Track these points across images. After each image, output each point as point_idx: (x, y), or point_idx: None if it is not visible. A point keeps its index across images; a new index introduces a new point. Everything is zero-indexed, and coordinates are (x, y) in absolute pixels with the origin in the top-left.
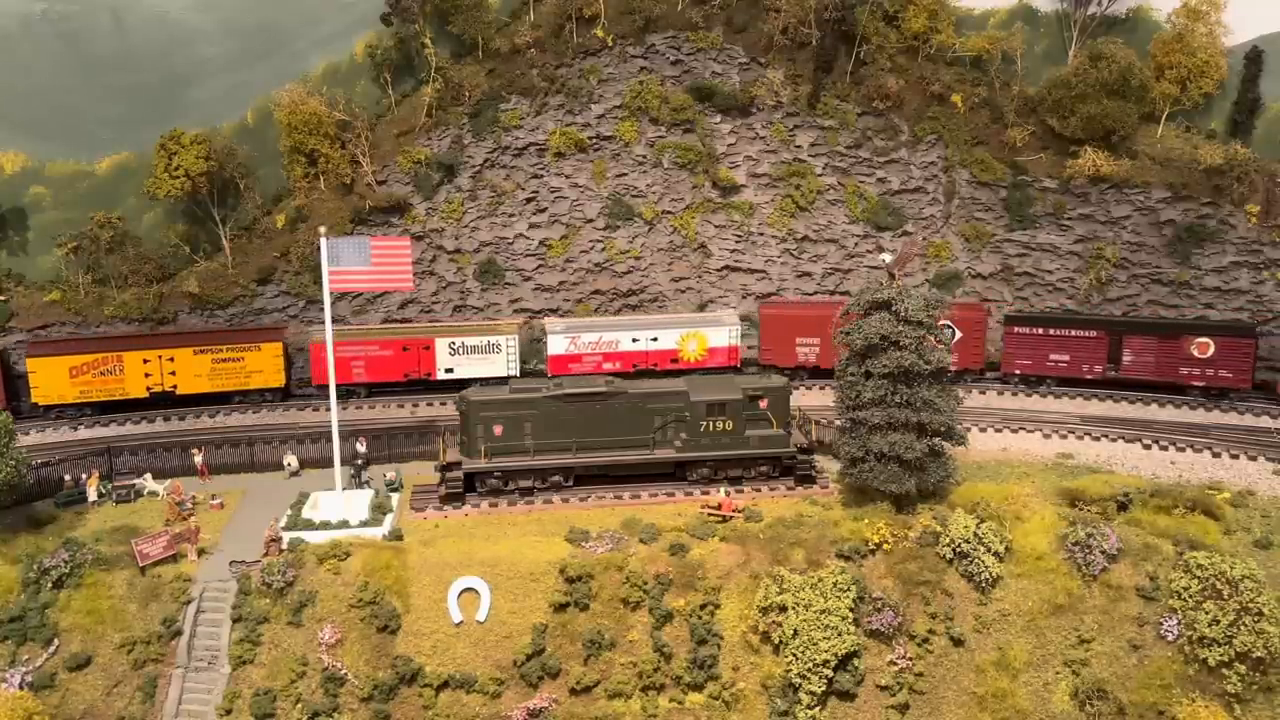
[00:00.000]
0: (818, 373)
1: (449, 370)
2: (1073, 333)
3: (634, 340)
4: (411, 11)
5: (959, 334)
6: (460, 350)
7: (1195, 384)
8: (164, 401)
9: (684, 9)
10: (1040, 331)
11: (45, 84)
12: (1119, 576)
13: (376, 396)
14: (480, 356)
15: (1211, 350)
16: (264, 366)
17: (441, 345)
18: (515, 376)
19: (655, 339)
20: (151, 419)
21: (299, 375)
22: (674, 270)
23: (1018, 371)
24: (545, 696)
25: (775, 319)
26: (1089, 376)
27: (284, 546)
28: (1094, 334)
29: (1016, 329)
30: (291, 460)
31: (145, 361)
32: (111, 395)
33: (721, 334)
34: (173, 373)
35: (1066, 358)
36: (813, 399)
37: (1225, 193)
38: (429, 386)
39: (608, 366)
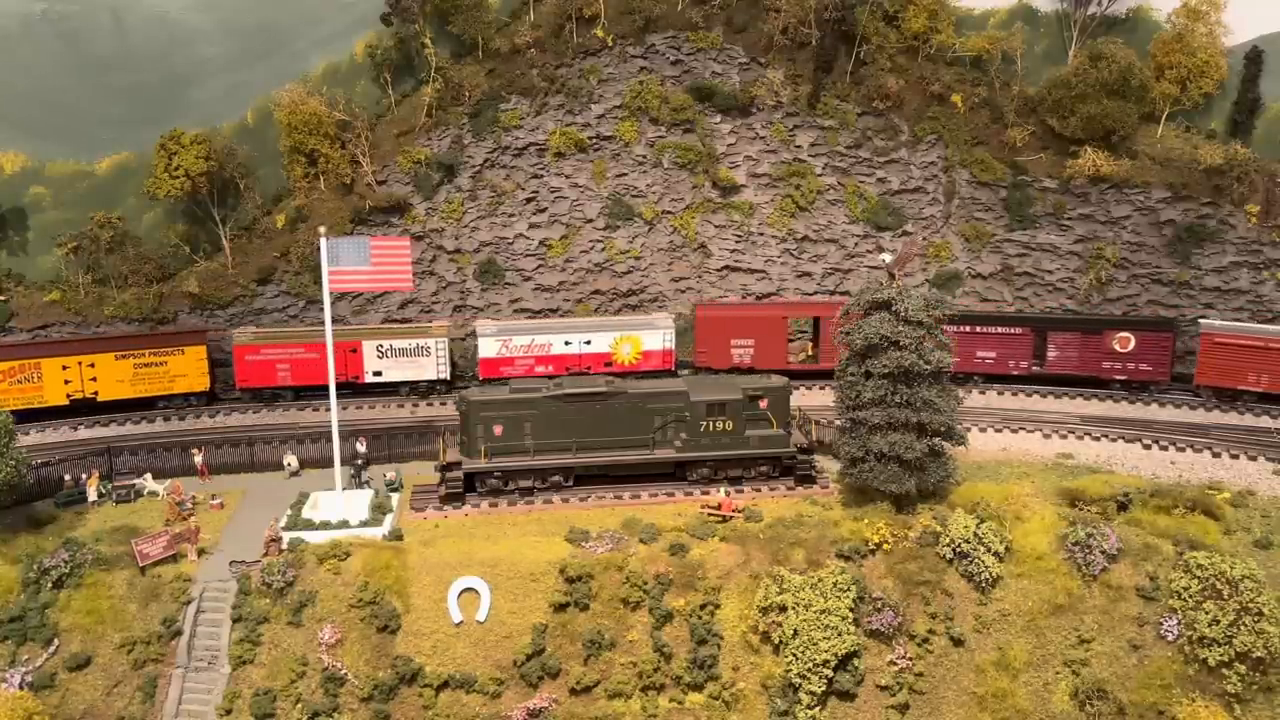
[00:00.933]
0: (751, 374)
1: (377, 374)
2: (999, 330)
3: (566, 343)
4: (411, 11)
5: None
6: (389, 353)
7: (1117, 378)
8: (85, 409)
9: (684, 9)
10: (968, 329)
11: (45, 84)
12: (1119, 576)
13: (305, 399)
14: (409, 359)
15: (1132, 345)
16: (188, 370)
17: (369, 348)
18: (445, 380)
19: (588, 342)
20: (151, 419)
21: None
22: (674, 270)
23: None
24: (545, 696)
25: (710, 321)
26: (1015, 372)
27: (284, 546)
28: (1019, 331)
29: (944, 328)
30: (291, 460)
31: (65, 368)
32: (30, 404)
33: (655, 337)
34: (94, 379)
35: (993, 354)
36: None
37: (1225, 193)
38: (357, 390)
39: (540, 370)
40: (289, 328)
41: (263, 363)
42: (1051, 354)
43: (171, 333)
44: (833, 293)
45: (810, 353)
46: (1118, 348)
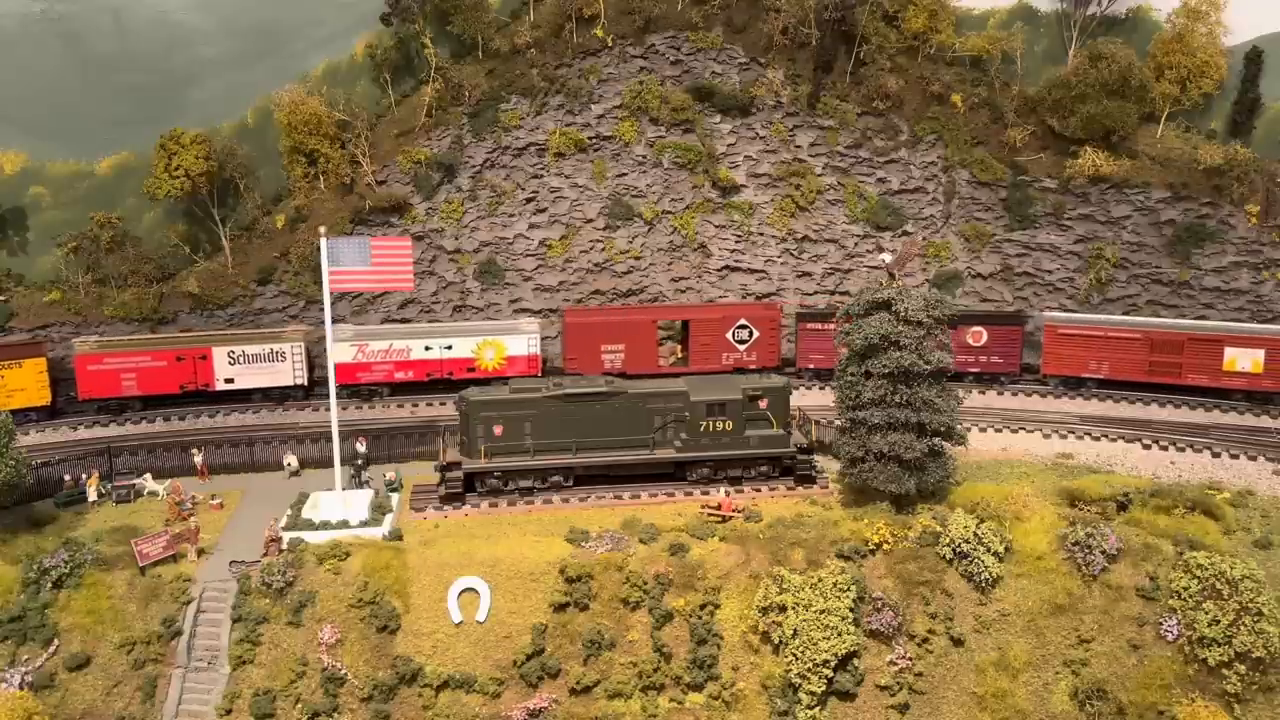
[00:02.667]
0: (623, 378)
1: (229, 381)
2: None
3: (426, 348)
4: (411, 11)
5: (756, 333)
6: (241, 359)
7: (971, 370)
8: None
9: (684, 9)
10: (832, 326)
11: (45, 84)
12: (1119, 576)
13: (155, 409)
14: (263, 366)
15: (985, 339)
16: (26, 384)
17: (220, 354)
18: (303, 386)
19: (449, 347)
20: (151, 419)
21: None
22: (674, 270)
23: (811, 366)
24: (545, 696)
25: (579, 327)
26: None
27: (284, 546)
28: None
29: (809, 326)
30: (291, 460)
31: None
32: None
33: (520, 342)
34: None
35: None
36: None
37: (1225, 193)
38: (210, 398)
39: (400, 376)
40: (135, 336)
41: (106, 373)
42: None
43: (5, 344)
44: (832, 293)
45: (680, 355)
46: (971, 342)
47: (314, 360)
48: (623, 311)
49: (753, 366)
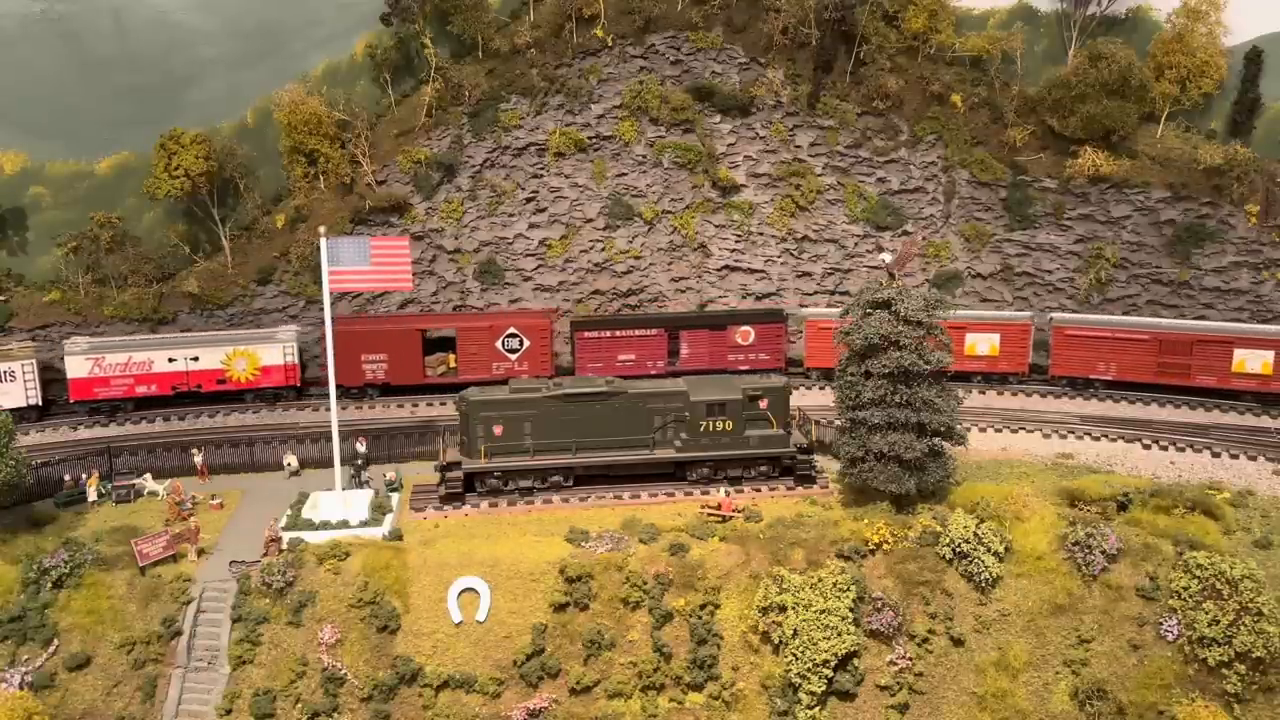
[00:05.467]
0: (389, 390)
1: None
2: (636, 332)
3: (170, 360)
4: (411, 11)
5: (527, 342)
6: None
7: (741, 368)
8: None
9: (684, 9)
10: (608, 334)
11: (45, 84)
12: (1119, 576)
13: None
14: None
15: (752, 337)
16: None
17: None
18: (37, 406)
19: (196, 358)
20: (151, 419)
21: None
22: (674, 270)
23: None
24: (545, 696)
25: (340, 336)
26: (653, 372)
27: (284, 546)
28: (655, 332)
29: (585, 334)
30: (291, 460)
31: None
32: None
33: (275, 351)
34: None
35: (633, 356)
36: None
37: (1225, 193)
38: None
39: (141, 390)
40: None
41: None
42: (684, 351)
43: None
44: (832, 293)
45: (451, 365)
46: (740, 341)
47: (49, 376)
48: (385, 320)
49: (525, 377)
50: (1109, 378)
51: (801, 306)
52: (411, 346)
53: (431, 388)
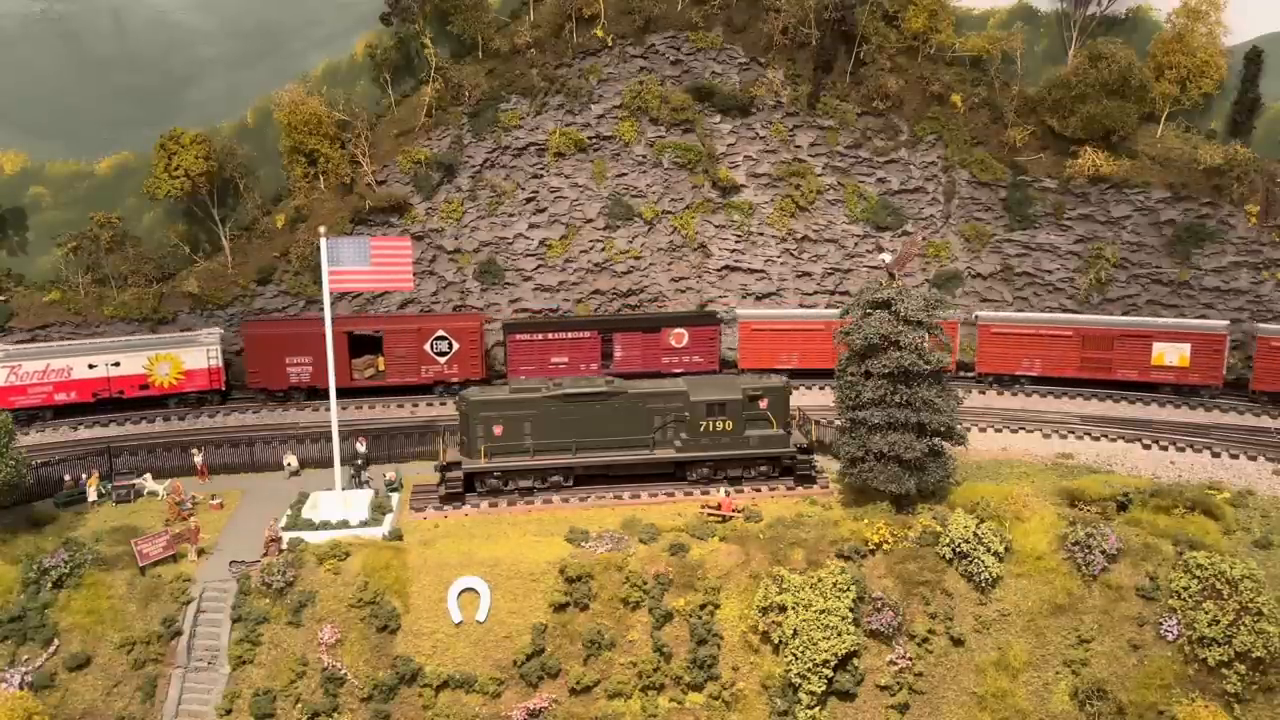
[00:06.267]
0: (314, 394)
1: None
2: (569, 335)
3: (91, 366)
4: (411, 11)
5: (456, 345)
6: None
7: (675, 371)
8: None
9: (684, 9)
10: (540, 337)
11: (45, 84)
12: (1119, 576)
13: None
14: None
15: (686, 340)
16: None
17: None
18: None
19: (117, 364)
20: (151, 419)
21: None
22: (674, 270)
23: (523, 378)
24: (545, 696)
25: (261, 338)
26: (587, 375)
27: (284, 546)
28: (588, 334)
29: (518, 337)
30: (291, 460)
31: None
32: None
33: (199, 355)
34: None
35: (566, 359)
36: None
37: (1225, 193)
38: None
39: (61, 398)
40: None
41: None
42: (618, 354)
43: None
44: (832, 292)
45: (380, 368)
46: (674, 343)
47: None
48: (309, 321)
49: (455, 379)
50: (1034, 373)
51: (735, 308)
52: (337, 349)
53: (359, 391)
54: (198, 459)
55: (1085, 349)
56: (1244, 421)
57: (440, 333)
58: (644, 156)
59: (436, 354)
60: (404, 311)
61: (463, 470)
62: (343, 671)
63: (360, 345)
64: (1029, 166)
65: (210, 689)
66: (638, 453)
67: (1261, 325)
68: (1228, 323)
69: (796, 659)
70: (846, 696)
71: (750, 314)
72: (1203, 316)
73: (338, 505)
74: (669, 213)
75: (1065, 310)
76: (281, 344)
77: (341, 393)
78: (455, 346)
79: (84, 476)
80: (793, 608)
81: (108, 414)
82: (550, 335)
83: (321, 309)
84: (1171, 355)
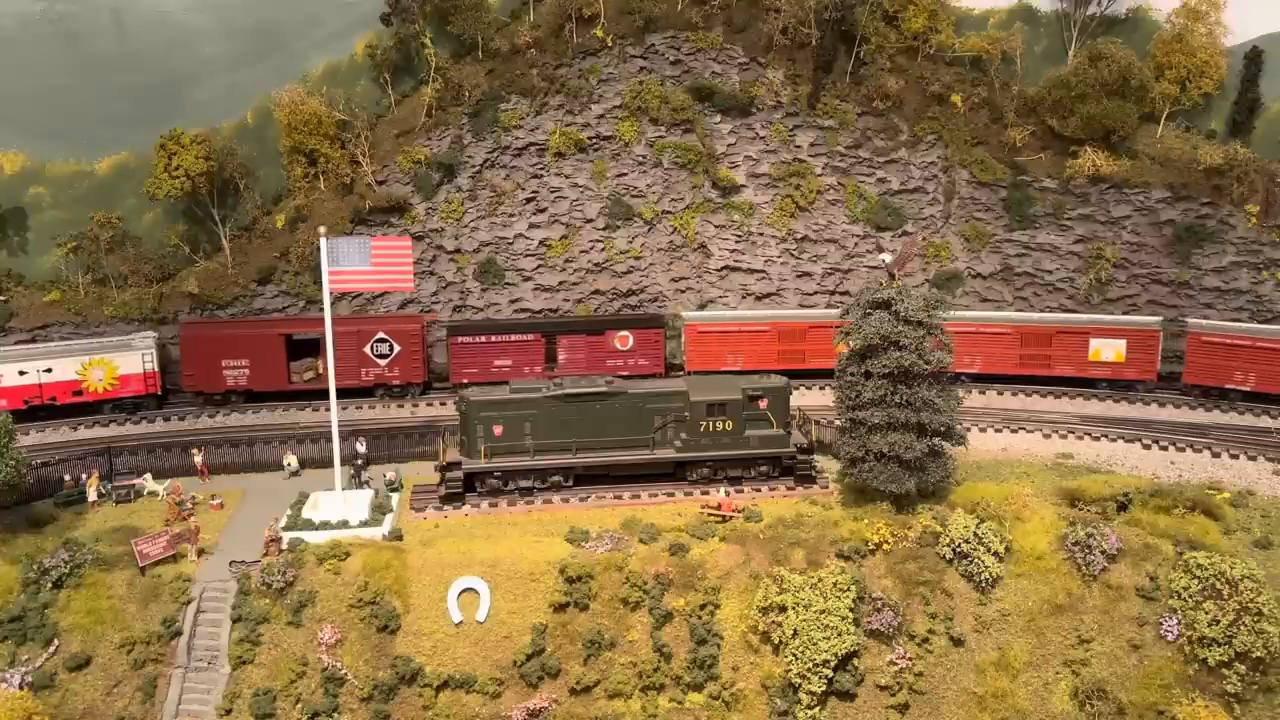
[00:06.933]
0: (252, 397)
1: None
2: (513, 338)
3: (21, 373)
4: (411, 11)
5: (397, 347)
6: None
7: (621, 374)
8: None
9: (684, 9)
10: (483, 339)
11: (45, 84)
12: (1119, 576)
13: None
14: None
15: (631, 342)
16: None
17: None
18: None
19: (49, 370)
20: (151, 419)
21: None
22: (674, 270)
23: (465, 381)
24: (545, 696)
25: (197, 340)
26: (532, 378)
27: (284, 546)
28: (531, 337)
29: (460, 339)
30: (291, 460)
31: None
32: None
33: (133, 359)
34: None
35: (509, 362)
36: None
37: (1225, 193)
38: None
39: None
40: None
41: None
42: (562, 356)
43: None
44: (832, 293)
45: (320, 371)
46: (619, 346)
47: None
48: (246, 323)
49: (396, 382)
50: (974, 370)
51: (680, 311)
52: (275, 351)
53: (300, 394)
54: (198, 459)
55: (1024, 346)
56: (1244, 421)
57: (381, 335)
58: (644, 156)
59: (377, 356)
60: (346, 313)
61: (463, 470)
62: (343, 671)
63: (304, 348)
64: (1029, 166)
65: (210, 689)
66: (638, 453)
67: (1191, 320)
68: (1160, 319)
69: (796, 659)
70: (846, 696)
71: (696, 316)
72: (1203, 317)
73: (338, 505)
74: (669, 213)
75: (1065, 309)
76: (218, 346)
77: (280, 396)
78: (396, 349)
79: (84, 476)
80: (793, 608)
81: (43, 421)
82: (493, 338)
83: (322, 309)
84: (1108, 351)
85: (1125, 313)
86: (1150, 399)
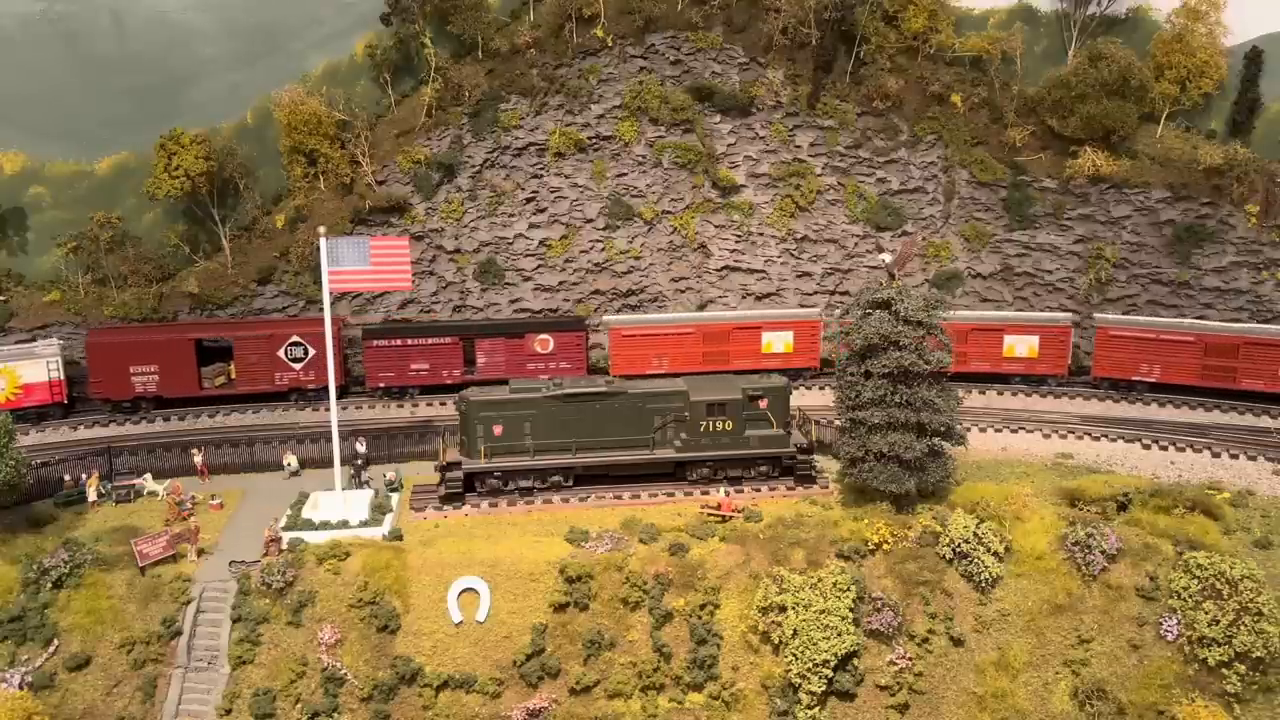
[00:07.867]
0: (162, 403)
1: None
2: (430, 341)
3: None
4: (411, 11)
5: (312, 350)
6: None
7: (542, 378)
8: None
9: (684, 9)
10: (400, 343)
11: (45, 84)
12: (1119, 576)
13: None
14: None
15: (551, 346)
16: None
17: None
18: None
19: None
20: (151, 419)
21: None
22: (674, 270)
23: (381, 385)
24: (545, 696)
25: (104, 347)
26: (449, 381)
27: (284, 546)
28: (449, 340)
29: (376, 343)
30: (291, 460)
31: None
32: None
33: (38, 368)
34: None
35: (427, 366)
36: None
37: (1225, 193)
38: None
39: None
40: None
41: None
42: (481, 360)
43: None
44: (832, 292)
45: (232, 376)
46: (539, 349)
47: None
48: (155, 329)
49: (312, 386)
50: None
51: (604, 314)
52: (184, 357)
53: (211, 399)
54: (198, 459)
55: (964, 344)
56: (1244, 421)
57: (295, 338)
58: (644, 156)
59: (292, 360)
60: (260, 317)
61: (463, 470)
62: (343, 671)
63: (217, 353)
64: (1029, 166)
65: (210, 689)
66: (638, 453)
67: (1099, 315)
68: (1070, 315)
69: (796, 659)
70: (846, 696)
71: (619, 320)
72: (1202, 317)
73: (338, 505)
74: (669, 213)
75: (1065, 309)
76: (126, 353)
77: (190, 401)
78: (312, 352)
79: (84, 476)
80: (793, 608)
81: None
82: (409, 341)
83: (321, 308)
84: (1021, 347)
85: (1125, 312)
86: (1061, 392)
